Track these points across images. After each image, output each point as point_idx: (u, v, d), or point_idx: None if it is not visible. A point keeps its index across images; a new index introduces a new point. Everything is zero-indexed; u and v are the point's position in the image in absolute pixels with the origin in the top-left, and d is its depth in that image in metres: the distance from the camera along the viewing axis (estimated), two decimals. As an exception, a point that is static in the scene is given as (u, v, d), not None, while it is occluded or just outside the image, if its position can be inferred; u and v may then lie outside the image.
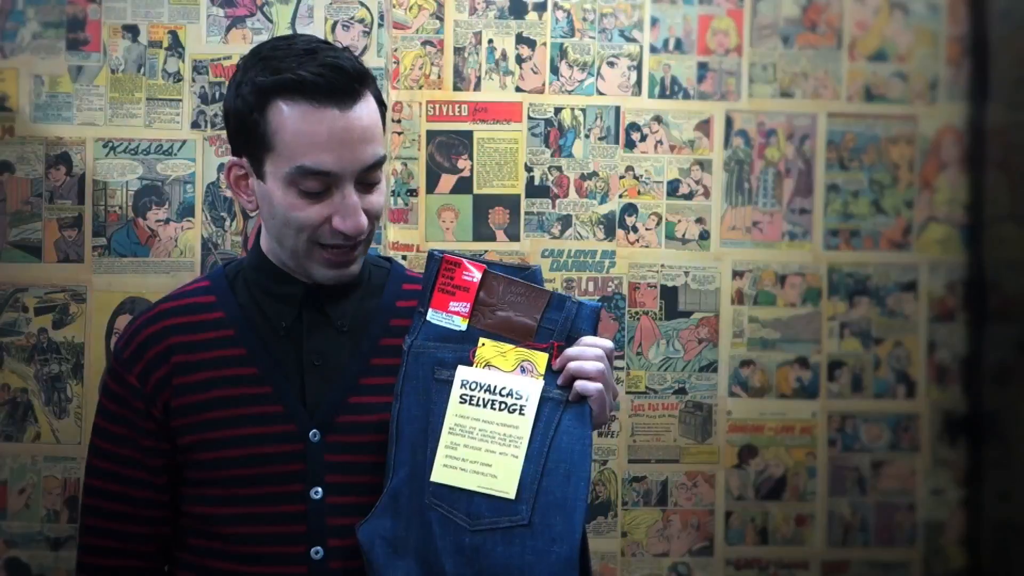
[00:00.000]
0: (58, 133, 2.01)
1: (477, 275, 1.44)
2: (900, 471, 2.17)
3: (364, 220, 1.44)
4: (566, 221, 2.10)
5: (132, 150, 2.02)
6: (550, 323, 1.43)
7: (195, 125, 2.03)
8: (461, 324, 1.44)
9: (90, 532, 1.54)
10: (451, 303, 1.44)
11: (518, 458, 1.39)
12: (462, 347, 1.44)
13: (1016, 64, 2.12)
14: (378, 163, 1.45)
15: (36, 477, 1.99)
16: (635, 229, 2.12)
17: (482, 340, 1.43)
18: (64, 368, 2.00)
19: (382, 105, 1.49)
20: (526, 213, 2.10)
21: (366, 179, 1.45)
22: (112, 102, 2.02)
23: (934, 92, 2.19)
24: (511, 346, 1.43)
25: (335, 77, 1.41)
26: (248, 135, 1.46)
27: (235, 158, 1.50)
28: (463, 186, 2.08)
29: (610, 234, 2.11)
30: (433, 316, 1.45)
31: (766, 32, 2.15)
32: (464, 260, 1.45)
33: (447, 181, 2.08)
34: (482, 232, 2.08)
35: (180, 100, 2.03)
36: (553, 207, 2.10)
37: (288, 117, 1.42)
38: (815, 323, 2.16)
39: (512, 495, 1.38)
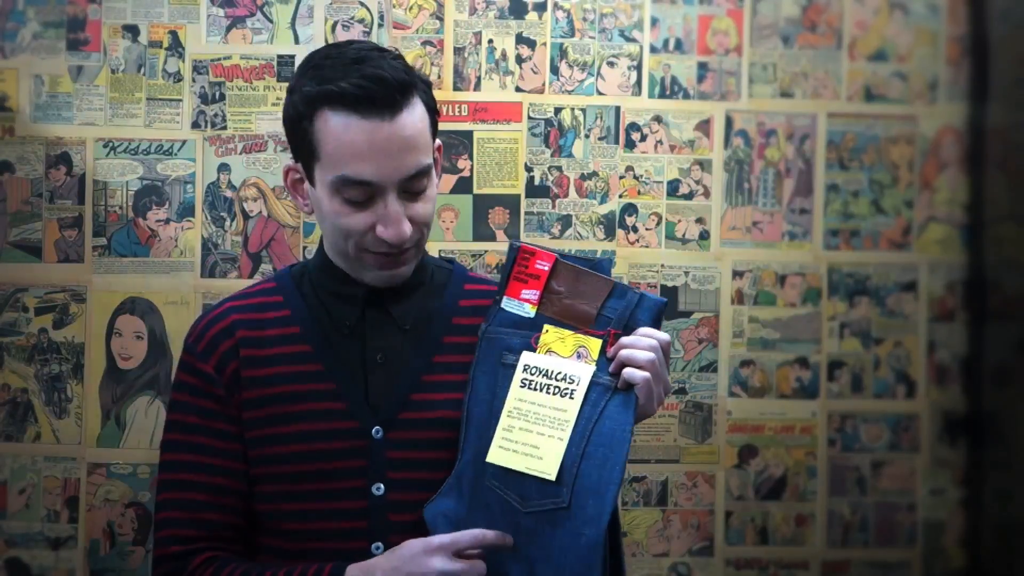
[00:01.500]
0: (58, 133, 2.01)
1: (548, 264, 1.49)
2: (900, 471, 2.17)
3: (407, 228, 1.46)
4: (566, 221, 2.10)
5: (132, 150, 2.02)
6: (610, 311, 1.47)
7: (195, 125, 2.03)
8: (530, 311, 1.49)
9: (170, 524, 1.52)
10: (523, 291, 1.50)
11: (563, 440, 1.43)
12: (529, 333, 1.49)
13: (1016, 64, 2.12)
14: (422, 172, 1.47)
15: (36, 477, 1.99)
16: (635, 229, 2.12)
17: (546, 327, 1.48)
18: (64, 368, 2.00)
19: (433, 111, 1.50)
20: (526, 213, 2.10)
21: (410, 188, 1.47)
22: (112, 102, 2.02)
23: (934, 92, 2.19)
24: (570, 332, 1.47)
25: (375, 88, 1.43)
26: (300, 142, 1.50)
27: (292, 162, 1.54)
28: (463, 186, 2.08)
29: (610, 234, 2.11)
30: (507, 304, 1.50)
31: (766, 32, 2.15)
32: (538, 249, 1.50)
33: (447, 181, 2.08)
34: (482, 232, 2.08)
35: (180, 100, 2.03)
36: (553, 207, 2.10)
37: (332, 127, 1.45)
38: (815, 323, 2.16)
39: (553, 476, 1.42)
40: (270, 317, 1.56)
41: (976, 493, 2.17)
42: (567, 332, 1.47)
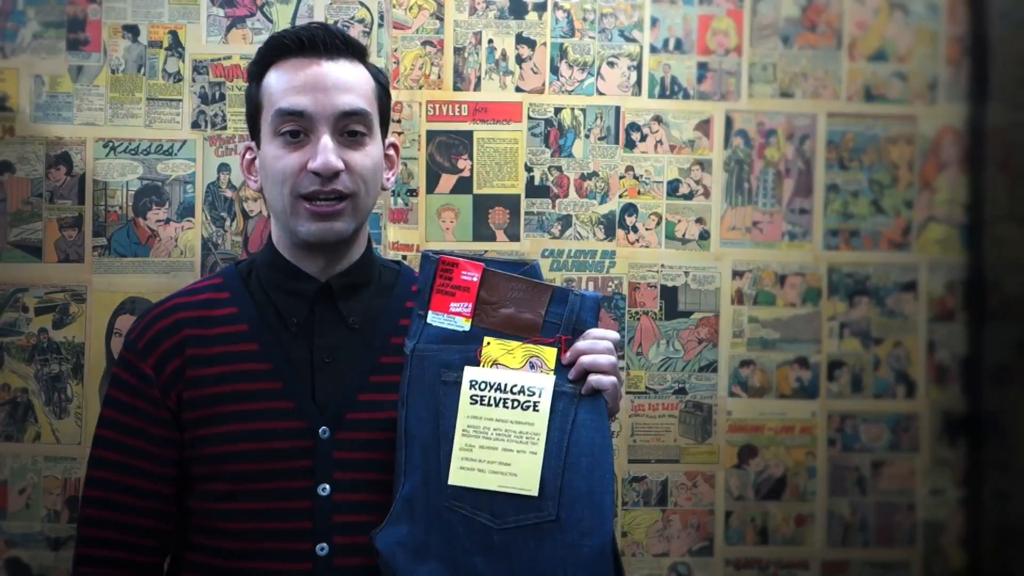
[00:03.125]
0: (58, 133, 2.01)
1: (476, 275, 1.44)
2: (900, 471, 2.17)
3: (335, 160, 1.48)
4: (566, 221, 2.10)
5: (132, 150, 2.02)
6: (555, 317, 1.43)
7: (195, 125, 2.03)
8: (464, 324, 1.44)
9: (91, 523, 1.54)
10: (451, 304, 1.44)
11: (537, 455, 1.39)
12: (467, 347, 1.44)
13: (1016, 64, 2.12)
14: (356, 113, 1.51)
15: (36, 477, 1.99)
16: (635, 229, 2.12)
17: (487, 339, 1.43)
18: (64, 368, 2.00)
19: (382, 87, 1.57)
20: (526, 213, 2.10)
21: (345, 128, 1.50)
22: (112, 102, 2.02)
23: (934, 92, 2.19)
24: (517, 343, 1.43)
25: (316, 31, 1.52)
26: (251, 108, 1.57)
27: (248, 142, 1.60)
28: (463, 186, 2.08)
29: (610, 234, 2.11)
30: (434, 318, 1.45)
31: (766, 32, 2.15)
32: (461, 260, 1.45)
33: (447, 181, 2.08)
34: (482, 232, 2.08)
35: (180, 100, 2.03)
36: (553, 207, 2.10)
37: (275, 76, 1.53)
38: (815, 323, 2.16)
39: (535, 492, 1.38)
40: (217, 314, 1.54)
41: (976, 493, 2.17)
42: (513, 343, 1.42)
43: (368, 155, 1.52)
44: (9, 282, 2.00)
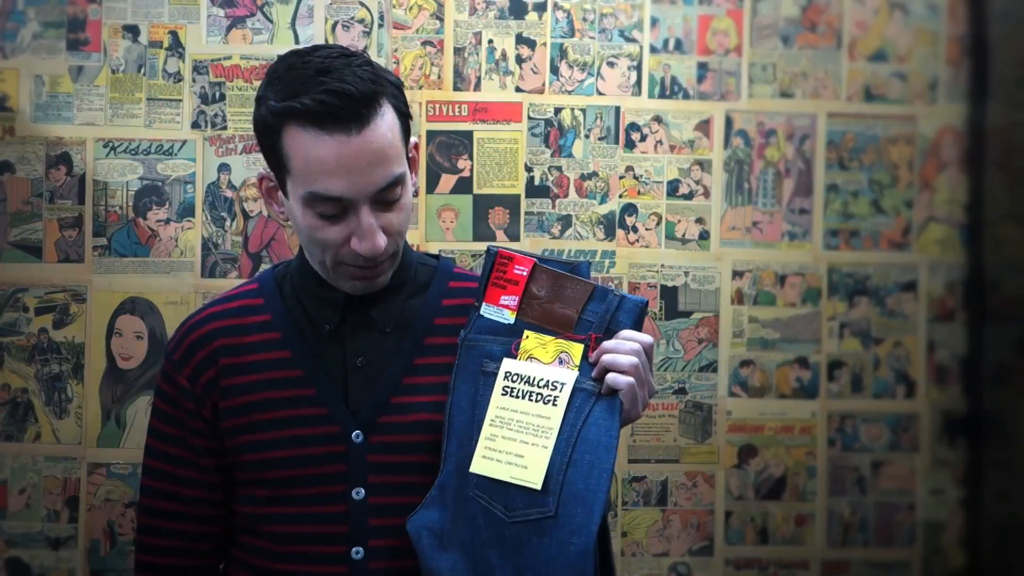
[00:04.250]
0: (58, 133, 2.01)
1: (526, 269, 1.46)
2: (900, 471, 2.18)
3: (381, 241, 1.43)
4: (566, 221, 2.10)
5: (132, 150, 2.02)
6: (591, 315, 1.44)
7: (195, 125, 2.03)
8: (509, 317, 1.47)
9: (146, 531, 1.56)
10: (502, 297, 1.47)
11: (547, 449, 1.41)
12: (509, 340, 1.46)
13: (1016, 64, 2.12)
14: (394, 182, 1.43)
15: (36, 477, 1.99)
16: (635, 229, 2.12)
17: (526, 332, 1.46)
18: (64, 368, 2.00)
19: (404, 115, 1.46)
20: (526, 213, 2.10)
21: (383, 198, 1.44)
22: (112, 102, 2.02)
23: (934, 92, 2.19)
24: (551, 337, 1.45)
25: (339, 104, 1.38)
26: (270, 154, 1.46)
27: (265, 171, 1.51)
28: (463, 186, 2.08)
29: (610, 234, 2.11)
30: (486, 310, 1.48)
31: (766, 32, 2.15)
32: (516, 254, 1.47)
33: (447, 181, 2.08)
34: (482, 232, 2.08)
35: (180, 100, 2.03)
36: (553, 207, 2.10)
37: (299, 143, 1.41)
38: (815, 323, 2.16)
39: (539, 486, 1.39)
40: (250, 322, 1.54)
41: (976, 493, 2.17)
42: (548, 338, 1.44)
43: (403, 206, 1.47)
44: (9, 282, 2.00)
